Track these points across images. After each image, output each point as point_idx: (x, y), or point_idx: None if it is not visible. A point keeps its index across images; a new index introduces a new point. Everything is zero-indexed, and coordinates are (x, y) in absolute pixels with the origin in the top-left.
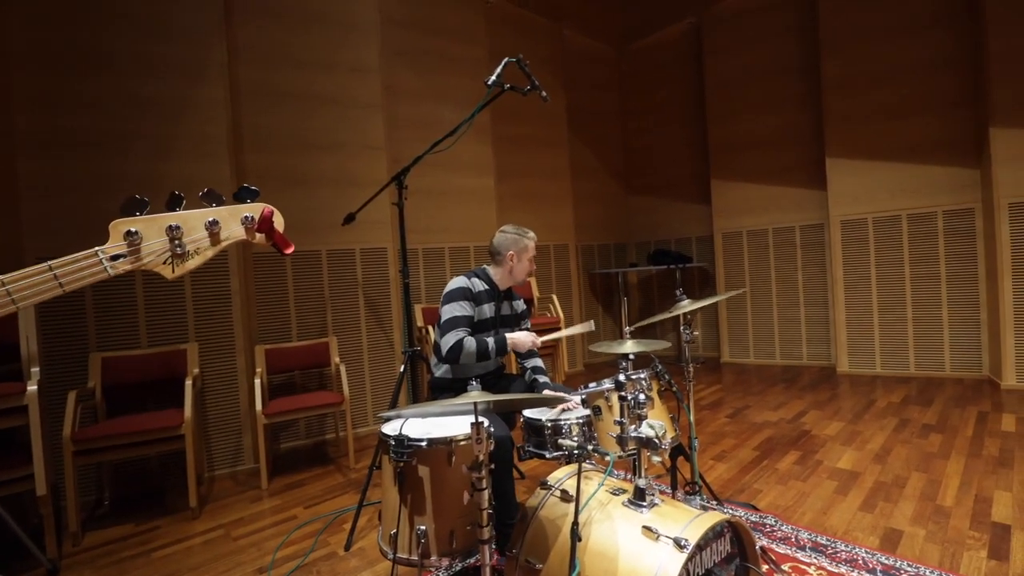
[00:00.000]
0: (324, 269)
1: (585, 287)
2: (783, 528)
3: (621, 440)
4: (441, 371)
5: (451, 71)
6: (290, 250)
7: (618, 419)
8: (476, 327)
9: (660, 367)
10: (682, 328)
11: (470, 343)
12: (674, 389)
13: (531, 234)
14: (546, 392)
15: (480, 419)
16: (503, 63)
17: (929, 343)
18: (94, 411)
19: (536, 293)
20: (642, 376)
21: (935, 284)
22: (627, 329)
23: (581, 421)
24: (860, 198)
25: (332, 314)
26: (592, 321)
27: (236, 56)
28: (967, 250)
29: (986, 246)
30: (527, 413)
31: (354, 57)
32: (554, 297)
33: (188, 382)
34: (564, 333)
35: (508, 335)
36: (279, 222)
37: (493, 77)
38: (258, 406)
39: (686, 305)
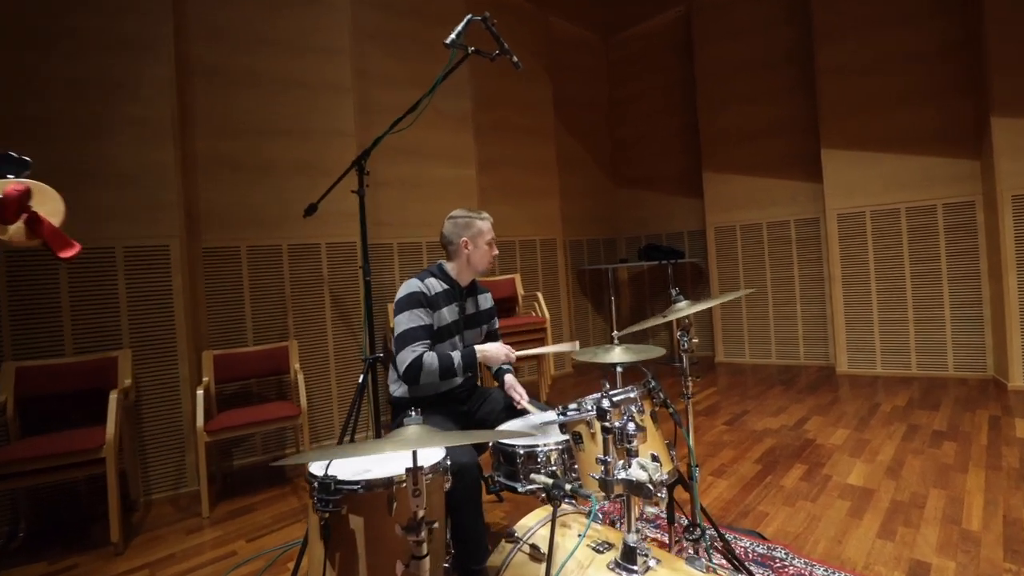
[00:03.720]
0: (285, 265)
1: (574, 284)
2: (795, 563)
3: (606, 484)
4: (400, 390)
5: (428, 56)
6: (69, 253)
7: (602, 457)
8: (438, 334)
9: (654, 383)
10: (678, 334)
11: (431, 360)
12: (671, 410)
13: (485, 215)
14: (510, 426)
15: (421, 463)
16: (465, 20)
17: (931, 342)
18: (6, 429)
19: (520, 291)
20: (631, 394)
21: (936, 280)
22: (615, 335)
23: (560, 447)
24: (857, 191)
25: (294, 316)
26: (577, 342)
27: (186, 32)
28: (968, 245)
29: (988, 240)
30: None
31: (322, 38)
32: (539, 295)
33: (113, 395)
34: (545, 350)
35: (478, 347)
36: (52, 209)
37: (452, 36)
38: (199, 421)
39: (684, 307)
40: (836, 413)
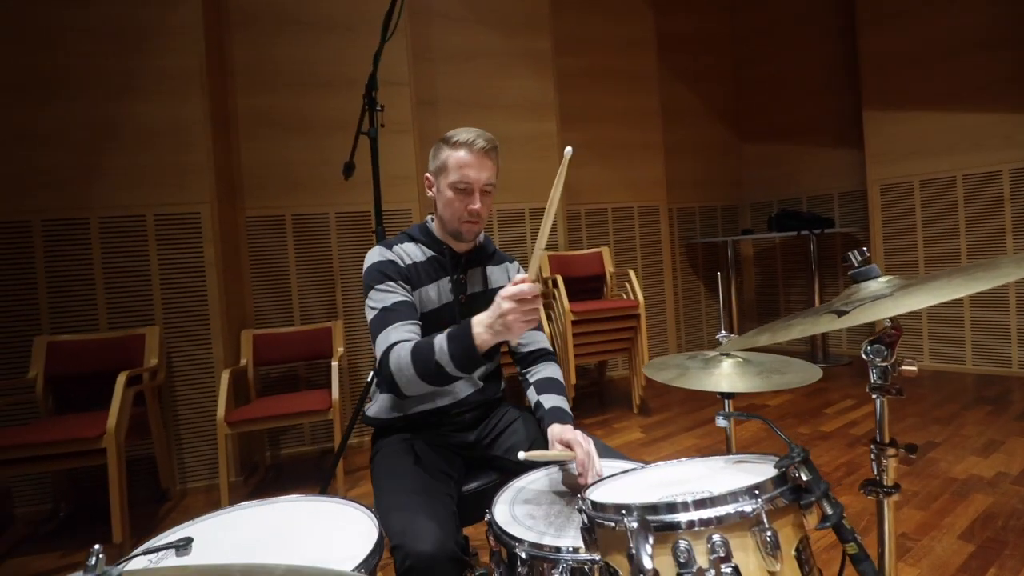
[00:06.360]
0: (333, 236)
1: (682, 261)
2: None
3: None
4: (376, 406)
5: None
6: None
7: None
8: (425, 324)
9: (808, 474)
10: (868, 349)
11: (402, 354)
12: (856, 548)
13: (468, 138)
14: (527, 484)
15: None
16: None
17: None
18: (35, 406)
19: (609, 267)
20: (746, 508)
21: None
22: (722, 336)
23: (601, 563)
24: None
25: (343, 293)
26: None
27: None
28: None
29: None
30: (500, 513)
31: None
32: (631, 273)
33: (121, 378)
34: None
35: (475, 318)
36: None
37: None
38: (220, 410)
39: (884, 290)
40: None
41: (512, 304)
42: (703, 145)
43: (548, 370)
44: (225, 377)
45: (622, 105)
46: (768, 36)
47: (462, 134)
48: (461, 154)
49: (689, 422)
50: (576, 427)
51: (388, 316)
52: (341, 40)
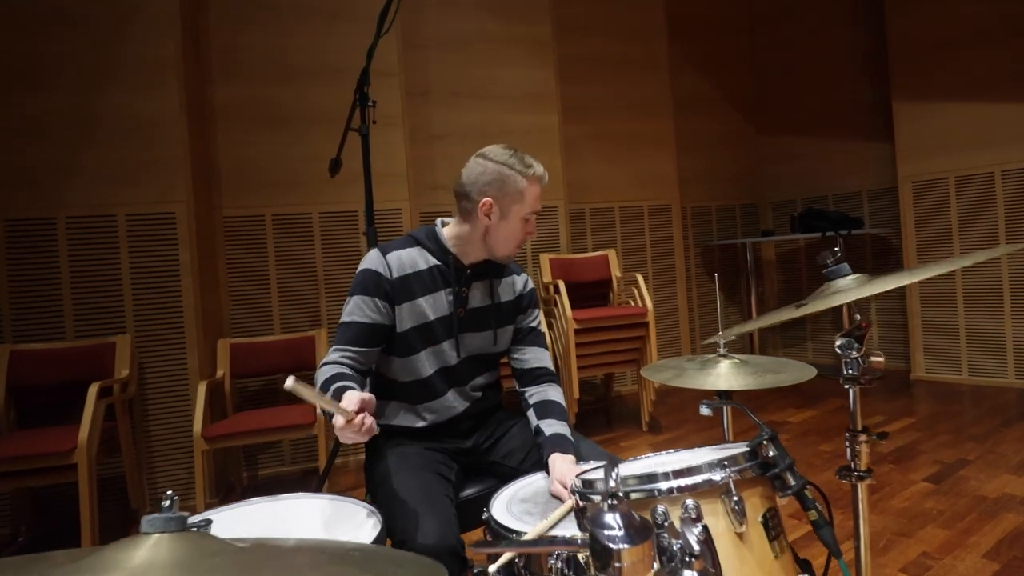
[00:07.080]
0: (316, 238)
1: (697, 265)
2: None
3: None
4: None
5: None
6: None
7: None
8: (404, 339)
9: (774, 450)
10: (839, 344)
11: (317, 379)
12: (815, 514)
13: (535, 167)
14: (528, 486)
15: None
16: None
17: None
18: None
19: (616, 272)
20: (715, 477)
21: None
22: (719, 338)
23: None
24: None
25: (327, 299)
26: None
27: None
28: None
29: None
30: (498, 509)
31: None
32: (639, 277)
33: (92, 389)
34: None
35: (348, 394)
36: None
37: None
38: (196, 425)
39: (850, 286)
40: None
41: (341, 422)
42: (719, 138)
43: (550, 392)
44: (201, 389)
45: (630, 95)
46: (789, 19)
47: (535, 165)
48: (537, 188)
49: (700, 440)
50: (578, 456)
51: (342, 332)
52: (325, 27)
